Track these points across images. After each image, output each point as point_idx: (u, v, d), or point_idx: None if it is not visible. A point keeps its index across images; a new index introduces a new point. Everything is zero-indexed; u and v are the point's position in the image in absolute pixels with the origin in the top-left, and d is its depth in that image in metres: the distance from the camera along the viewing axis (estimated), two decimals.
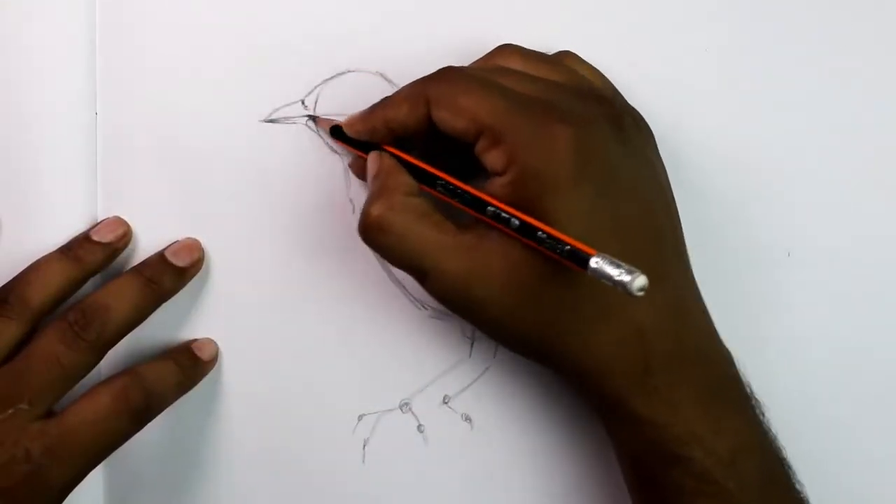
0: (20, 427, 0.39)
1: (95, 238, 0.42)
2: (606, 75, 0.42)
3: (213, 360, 0.44)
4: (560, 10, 0.43)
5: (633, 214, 0.37)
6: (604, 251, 0.33)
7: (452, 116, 0.37)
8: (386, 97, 0.39)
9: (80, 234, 0.42)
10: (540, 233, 0.35)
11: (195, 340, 0.44)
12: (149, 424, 0.41)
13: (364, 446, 0.44)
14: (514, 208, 0.36)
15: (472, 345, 0.44)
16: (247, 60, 0.43)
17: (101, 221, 0.43)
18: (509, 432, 0.44)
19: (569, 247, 0.34)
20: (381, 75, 0.43)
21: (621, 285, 0.32)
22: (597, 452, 0.43)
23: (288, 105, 0.43)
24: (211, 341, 0.44)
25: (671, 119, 0.43)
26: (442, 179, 0.38)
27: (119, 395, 0.40)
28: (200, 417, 0.44)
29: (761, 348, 0.44)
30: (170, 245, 0.43)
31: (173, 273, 0.42)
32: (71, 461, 0.39)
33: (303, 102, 0.43)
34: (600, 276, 0.33)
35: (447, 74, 0.38)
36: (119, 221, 0.43)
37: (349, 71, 0.43)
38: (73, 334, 0.40)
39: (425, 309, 0.44)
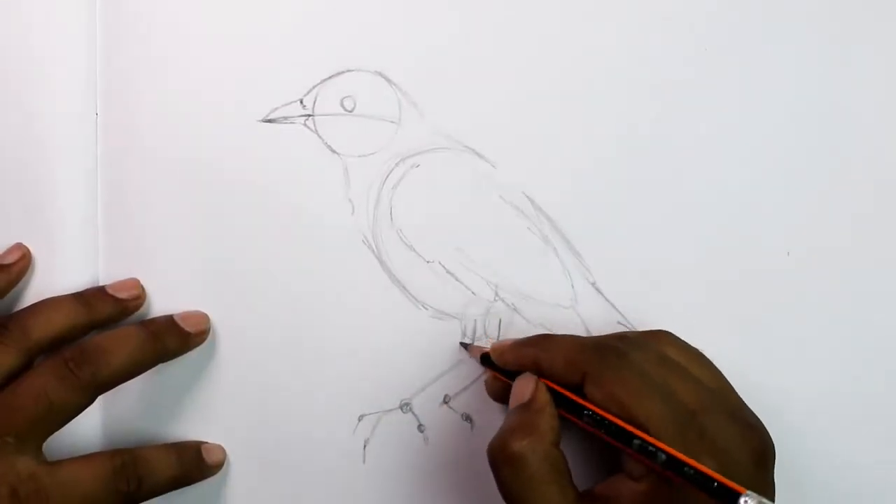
0: (6, 461, 0.38)
1: (110, 291, 0.43)
2: (606, 76, 0.42)
3: (218, 466, 0.44)
4: (560, 11, 0.43)
5: None
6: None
7: (606, 401, 0.37)
8: (545, 339, 0.40)
9: (97, 286, 0.43)
10: (687, 468, 0.35)
11: (205, 443, 0.44)
12: (149, 425, 0.41)
13: (364, 446, 0.44)
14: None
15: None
16: (246, 60, 0.43)
17: (120, 281, 0.43)
18: None
19: (717, 483, 0.35)
20: (381, 75, 0.43)
21: None
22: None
23: (286, 105, 0.43)
24: (220, 447, 0.44)
25: (671, 119, 0.43)
26: (589, 410, 0.38)
27: (116, 471, 0.40)
28: (200, 417, 0.44)
29: (761, 348, 0.43)
30: (182, 312, 0.43)
31: (178, 336, 0.42)
32: None
33: (301, 102, 0.43)
34: None
35: (612, 357, 0.38)
36: (136, 283, 0.43)
37: (348, 71, 0.43)
38: (66, 370, 0.39)
39: (425, 309, 0.44)
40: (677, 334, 0.41)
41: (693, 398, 0.37)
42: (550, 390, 0.39)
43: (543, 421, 0.38)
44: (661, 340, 0.40)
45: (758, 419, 0.39)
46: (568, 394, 0.38)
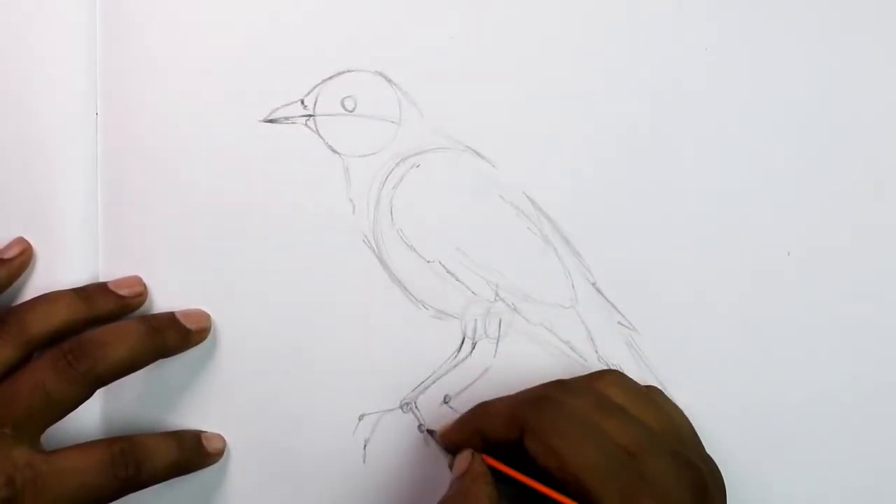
0: (3, 451, 0.38)
1: (111, 288, 0.43)
2: (605, 76, 0.42)
3: (218, 454, 0.44)
4: (560, 11, 0.43)
5: None
6: None
7: (544, 454, 0.37)
8: (485, 406, 0.40)
9: (98, 282, 0.43)
10: None
11: (205, 432, 0.44)
12: (149, 425, 0.41)
13: (365, 446, 0.44)
14: None
15: (473, 345, 0.44)
16: (246, 60, 0.43)
17: (123, 277, 0.43)
18: None
19: None
20: (381, 75, 0.43)
21: None
22: None
23: (287, 105, 0.43)
24: (220, 436, 0.44)
25: (671, 119, 0.43)
26: (528, 486, 0.38)
27: (114, 457, 0.40)
28: (200, 416, 0.44)
29: (761, 348, 0.44)
30: (183, 309, 0.43)
31: (178, 332, 0.42)
32: (52, 501, 0.38)
33: (302, 102, 0.43)
34: None
35: (548, 407, 0.38)
36: (138, 280, 0.43)
37: (349, 71, 0.43)
38: (64, 363, 0.39)
39: (426, 309, 0.44)
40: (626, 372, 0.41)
41: (632, 440, 0.37)
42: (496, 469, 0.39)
43: (477, 488, 0.38)
44: (604, 382, 0.40)
45: (702, 457, 0.40)
46: (507, 470, 0.38)
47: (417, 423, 0.44)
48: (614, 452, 0.37)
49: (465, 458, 0.39)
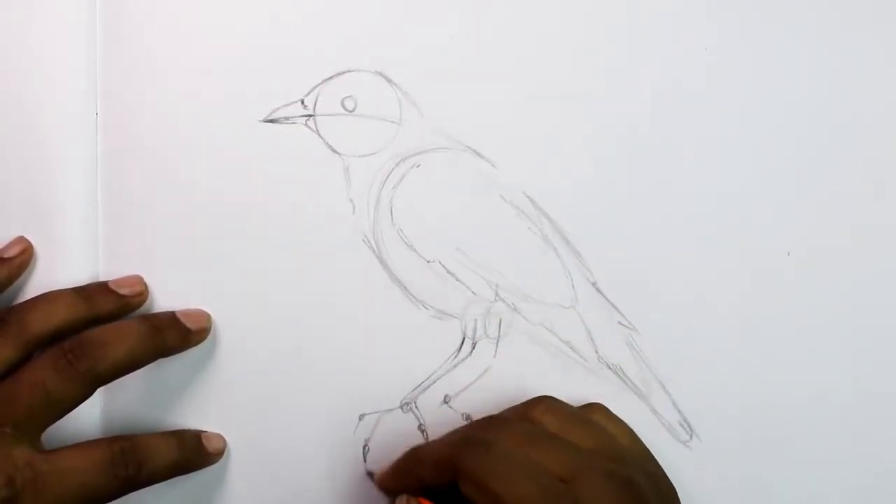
0: (3, 451, 0.38)
1: (112, 287, 0.43)
2: (605, 76, 0.42)
3: (218, 454, 0.44)
4: (559, 10, 0.43)
5: None
6: None
7: (479, 495, 0.37)
8: (417, 451, 0.40)
9: (99, 282, 0.43)
10: None
11: (205, 432, 0.44)
12: (149, 425, 0.41)
13: (364, 446, 0.44)
14: None
15: (473, 345, 0.44)
16: (247, 60, 0.43)
17: (123, 276, 0.43)
18: None
19: None
20: (381, 75, 0.43)
21: None
22: None
23: (287, 105, 0.43)
24: (220, 436, 0.44)
25: (671, 119, 0.43)
26: None
27: (114, 456, 0.40)
28: (200, 416, 0.44)
29: (761, 348, 0.44)
30: (183, 309, 0.43)
31: (179, 332, 0.42)
32: (52, 500, 0.38)
33: (302, 102, 0.43)
34: None
35: (477, 449, 0.38)
36: (139, 280, 0.43)
37: (349, 71, 0.43)
38: (65, 362, 0.39)
39: (426, 309, 0.44)
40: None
41: (565, 467, 0.37)
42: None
43: None
44: (538, 410, 0.40)
45: (644, 471, 0.39)
46: None
47: (417, 423, 0.44)
48: (548, 483, 0.36)
49: (401, 502, 0.39)
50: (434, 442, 0.41)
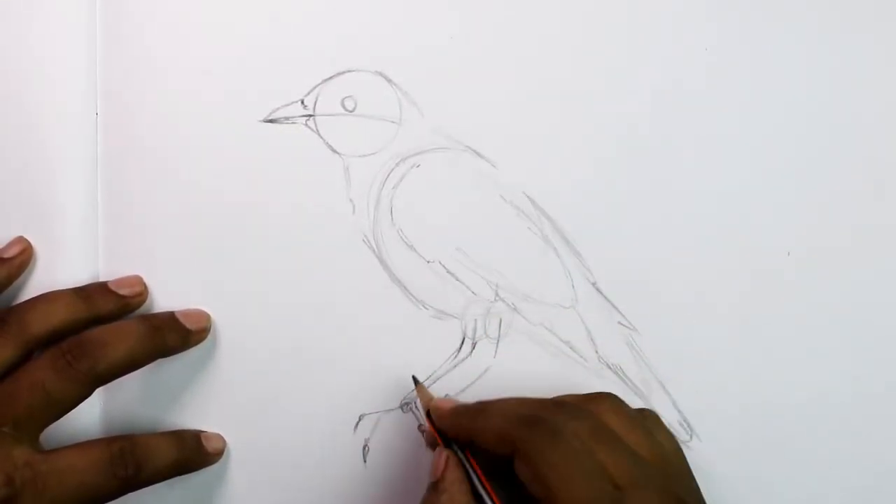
0: (2, 450, 0.38)
1: (112, 287, 0.43)
2: (605, 76, 0.42)
3: (218, 454, 0.44)
4: (560, 11, 0.43)
5: None
6: None
7: (533, 481, 0.36)
8: (481, 410, 0.39)
9: (99, 282, 0.43)
10: None
11: (205, 432, 0.44)
12: (149, 425, 0.41)
13: (364, 446, 0.44)
14: None
15: (473, 345, 0.44)
16: (247, 60, 0.43)
17: (123, 277, 0.43)
18: None
19: None
20: (382, 75, 0.43)
21: None
22: None
23: (288, 105, 0.43)
24: (220, 436, 0.44)
25: (671, 119, 0.43)
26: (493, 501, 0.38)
27: (113, 456, 0.40)
28: (200, 416, 0.44)
29: (761, 348, 0.44)
30: (183, 309, 0.43)
31: (178, 332, 0.42)
32: (51, 500, 0.38)
33: (302, 102, 0.43)
34: None
35: (543, 431, 0.37)
36: (139, 280, 0.43)
37: (349, 71, 0.43)
38: (64, 362, 0.39)
39: (426, 309, 0.44)
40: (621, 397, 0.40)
41: (623, 473, 0.36)
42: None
43: (447, 500, 0.38)
44: (601, 405, 0.39)
45: (688, 488, 0.39)
46: (483, 479, 0.38)
47: (417, 423, 0.44)
48: (605, 489, 0.36)
49: (440, 461, 0.39)
50: (502, 406, 0.39)
